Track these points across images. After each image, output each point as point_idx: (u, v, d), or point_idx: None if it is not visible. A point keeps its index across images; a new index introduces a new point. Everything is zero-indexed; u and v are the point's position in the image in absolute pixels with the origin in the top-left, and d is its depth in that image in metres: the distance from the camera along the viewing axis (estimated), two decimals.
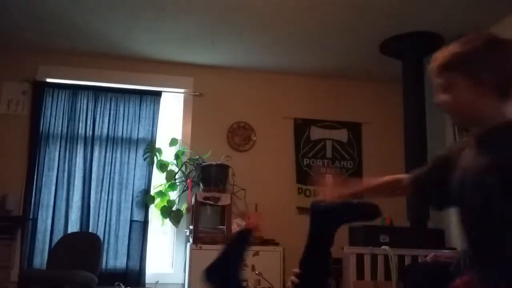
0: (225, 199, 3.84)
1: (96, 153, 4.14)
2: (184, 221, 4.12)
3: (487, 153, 1.27)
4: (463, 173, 1.31)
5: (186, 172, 4.21)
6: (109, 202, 4.06)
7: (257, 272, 3.45)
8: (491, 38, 1.32)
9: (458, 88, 1.31)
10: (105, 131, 4.20)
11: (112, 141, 4.19)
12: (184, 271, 4.04)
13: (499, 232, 1.22)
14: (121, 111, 4.26)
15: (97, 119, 4.21)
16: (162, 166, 4.17)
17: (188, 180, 4.10)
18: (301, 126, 4.58)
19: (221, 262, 1.66)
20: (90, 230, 3.97)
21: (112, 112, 4.25)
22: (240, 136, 4.47)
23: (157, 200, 4.12)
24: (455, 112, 1.36)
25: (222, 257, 1.67)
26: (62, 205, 3.99)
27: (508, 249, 1.20)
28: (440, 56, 1.35)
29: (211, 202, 3.83)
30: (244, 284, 1.67)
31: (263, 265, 3.58)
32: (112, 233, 4.02)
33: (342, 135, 4.66)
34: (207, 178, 3.92)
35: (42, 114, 4.12)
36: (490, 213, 1.23)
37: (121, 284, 3.70)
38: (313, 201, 1.68)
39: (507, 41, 1.31)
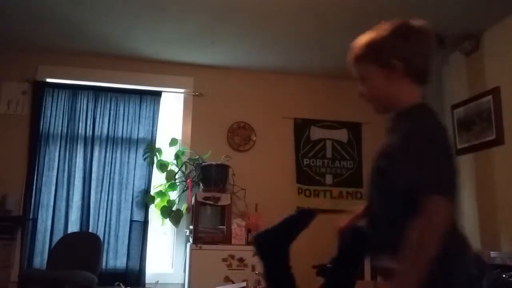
0: (225, 199, 3.84)
1: (96, 153, 4.14)
2: (184, 221, 4.12)
3: (386, 139, 1.36)
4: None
5: (186, 172, 4.21)
6: (109, 202, 4.06)
7: (257, 272, 3.45)
8: (400, 24, 1.35)
9: (371, 77, 1.36)
10: (105, 131, 4.20)
11: (112, 141, 4.19)
12: (184, 271, 4.04)
13: (378, 213, 1.34)
14: (121, 111, 4.26)
15: (97, 119, 4.21)
16: (162, 166, 4.17)
17: (188, 180, 4.10)
18: (301, 126, 4.58)
19: (276, 231, 1.66)
20: (90, 230, 3.97)
21: (112, 112, 4.25)
22: (240, 136, 4.47)
23: (157, 200, 4.12)
24: (372, 100, 1.42)
25: (279, 227, 1.67)
26: (62, 205, 3.99)
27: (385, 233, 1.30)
28: (354, 47, 1.41)
29: (211, 202, 3.83)
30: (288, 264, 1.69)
31: None
32: (112, 233, 4.02)
33: (342, 135, 4.66)
34: (207, 178, 3.92)
35: (42, 114, 4.12)
36: (370, 194, 1.38)
37: (121, 284, 3.70)
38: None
39: (416, 27, 1.34)
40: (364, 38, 1.39)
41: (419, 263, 1.12)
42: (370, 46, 1.36)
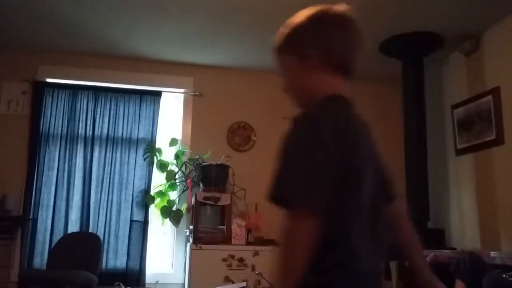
0: (225, 199, 3.84)
1: (96, 153, 4.14)
2: (184, 221, 4.12)
3: None
4: None
5: (186, 172, 4.21)
6: (109, 202, 4.06)
7: (257, 272, 3.45)
8: (317, 11, 1.25)
9: (288, 68, 1.25)
10: (105, 131, 4.20)
11: (112, 141, 4.19)
12: (184, 271, 4.04)
13: None
14: (121, 111, 4.26)
15: (97, 119, 4.21)
16: (162, 166, 4.17)
17: (188, 180, 4.10)
18: None
19: None
20: (90, 230, 3.97)
21: (112, 112, 4.25)
22: (240, 136, 4.47)
23: (157, 200, 4.12)
24: (292, 93, 1.28)
25: None
26: (62, 205, 3.99)
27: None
28: (275, 40, 1.30)
29: (211, 202, 3.83)
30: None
31: (263, 265, 3.58)
32: (112, 233, 4.02)
33: None
34: (207, 178, 3.92)
35: (42, 114, 4.12)
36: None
37: (121, 284, 3.70)
38: None
39: (335, 13, 1.23)
40: (282, 30, 1.29)
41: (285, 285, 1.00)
42: (285, 35, 1.27)
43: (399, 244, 1.29)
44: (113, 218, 4.05)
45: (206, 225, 3.90)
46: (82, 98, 4.23)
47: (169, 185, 4.14)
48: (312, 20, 1.24)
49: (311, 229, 1.00)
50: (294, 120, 1.10)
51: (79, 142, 4.15)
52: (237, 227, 3.85)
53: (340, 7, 1.23)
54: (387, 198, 1.26)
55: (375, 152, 1.21)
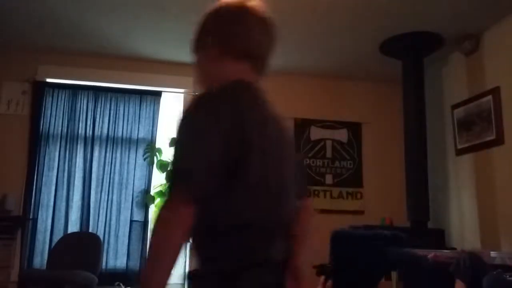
0: None
1: (96, 153, 4.14)
2: None
3: None
4: None
5: None
6: (109, 202, 4.07)
7: None
8: (213, 8, 1.29)
9: (199, 61, 1.31)
10: (105, 131, 4.20)
11: (112, 141, 4.19)
12: (184, 271, 4.03)
13: None
14: (121, 111, 4.26)
15: (97, 119, 4.21)
16: (162, 166, 4.17)
17: None
18: (301, 126, 4.58)
19: None
20: (90, 230, 3.97)
21: (112, 112, 4.25)
22: None
23: (157, 200, 4.12)
24: (203, 85, 1.30)
25: None
26: (62, 205, 3.99)
27: None
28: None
29: None
30: None
31: None
32: (112, 233, 4.02)
33: (342, 135, 4.66)
34: None
35: (42, 114, 4.12)
36: None
37: (121, 284, 3.70)
38: None
39: (228, 8, 1.27)
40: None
41: (151, 277, 0.98)
42: (196, 32, 1.33)
43: (293, 236, 1.24)
44: (113, 218, 4.05)
45: None
46: (82, 98, 4.23)
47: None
48: (210, 15, 1.29)
49: (187, 217, 0.98)
50: (193, 99, 1.09)
51: (79, 142, 4.15)
52: None
53: (241, 1, 1.29)
54: (295, 193, 1.22)
55: (284, 144, 1.20)
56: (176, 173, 1.03)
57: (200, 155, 1.01)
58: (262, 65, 1.28)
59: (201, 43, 1.29)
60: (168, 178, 0.89)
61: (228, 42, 1.24)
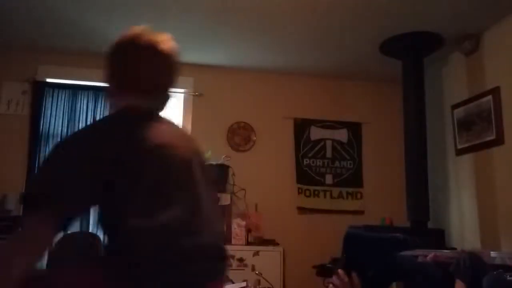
0: (225, 199, 3.84)
1: None
2: None
3: None
4: None
5: None
6: None
7: (257, 272, 3.46)
8: (115, 40, 1.47)
9: (106, 96, 1.51)
10: None
11: None
12: None
13: None
14: None
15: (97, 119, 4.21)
16: None
17: None
18: (301, 126, 4.58)
19: None
20: (90, 230, 3.96)
21: None
22: (240, 136, 4.47)
23: None
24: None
25: None
26: None
27: None
28: None
29: None
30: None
31: (263, 265, 3.58)
32: None
33: (342, 135, 4.66)
34: None
35: (42, 114, 4.12)
36: None
37: None
38: None
39: (115, 44, 1.46)
40: None
41: None
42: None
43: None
44: None
45: None
46: (82, 98, 4.23)
47: None
48: (108, 52, 1.46)
49: (46, 232, 1.09)
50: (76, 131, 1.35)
51: None
52: (237, 227, 3.85)
53: (134, 30, 1.46)
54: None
55: (179, 165, 1.27)
56: (35, 195, 1.10)
57: (60, 179, 1.10)
58: (156, 90, 1.42)
59: (104, 79, 1.40)
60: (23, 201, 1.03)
61: (117, 77, 1.36)
